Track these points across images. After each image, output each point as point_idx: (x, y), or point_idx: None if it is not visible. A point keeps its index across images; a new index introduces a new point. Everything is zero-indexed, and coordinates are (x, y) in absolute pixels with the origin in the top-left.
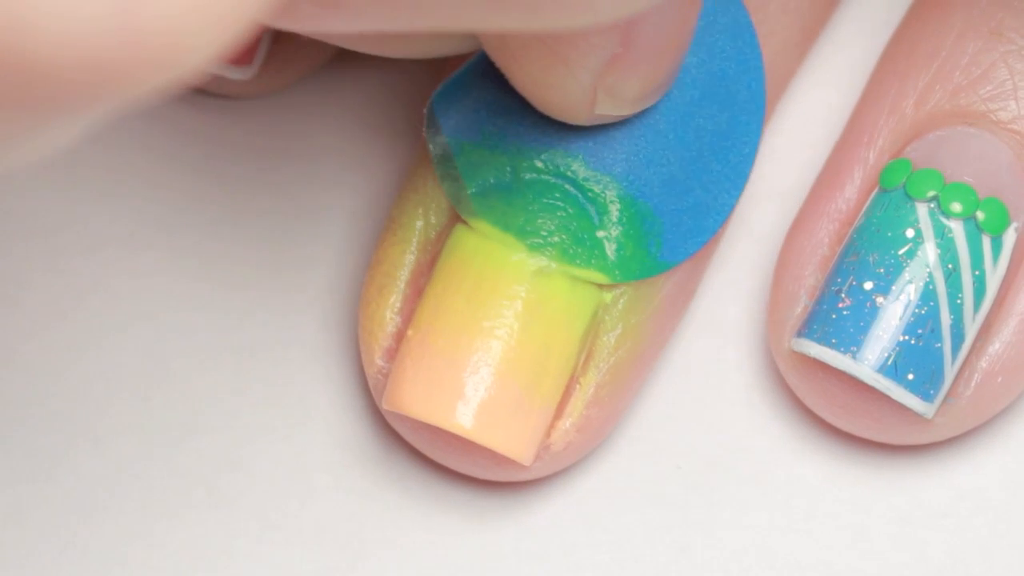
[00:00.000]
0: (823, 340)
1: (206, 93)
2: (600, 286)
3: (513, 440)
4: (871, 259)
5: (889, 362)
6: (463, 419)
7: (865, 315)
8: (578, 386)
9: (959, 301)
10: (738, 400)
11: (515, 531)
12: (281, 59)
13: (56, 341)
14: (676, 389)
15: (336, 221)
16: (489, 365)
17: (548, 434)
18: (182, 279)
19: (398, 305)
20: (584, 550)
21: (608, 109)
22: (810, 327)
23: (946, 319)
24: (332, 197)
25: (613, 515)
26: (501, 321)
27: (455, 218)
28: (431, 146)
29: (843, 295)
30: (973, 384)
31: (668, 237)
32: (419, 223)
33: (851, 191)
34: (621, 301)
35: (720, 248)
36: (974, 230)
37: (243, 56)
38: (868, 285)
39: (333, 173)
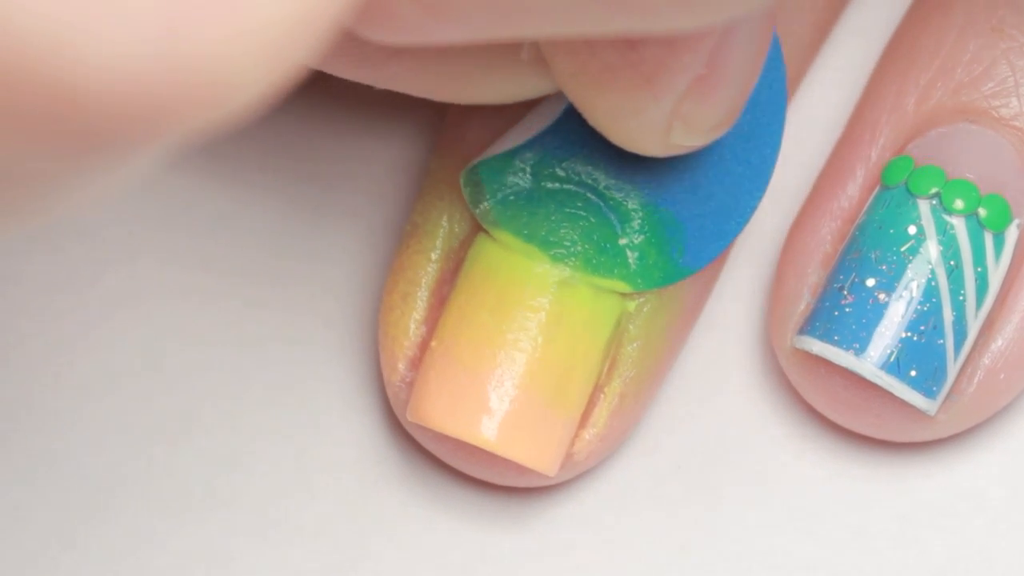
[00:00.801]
0: (825, 337)
1: None
2: (623, 295)
3: (538, 453)
4: (873, 256)
5: (892, 359)
6: (488, 432)
7: (868, 312)
8: (602, 395)
9: (961, 298)
10: (739, 398)
11: (515, 531)
12: None
13: (56, 341)
14: (677, 388)
15: (344, 222)
16: (513, 378)
17: (572, 443)
18: (187, 281)
19: (422, 314)
20: (584, 550)
21: (681, 138)
22: (812, 324)
23: (948, 316)
24: (341, 199)
25: (613, 514)
26: (525, 334)
27: (478, 227)
28: (468, 196)
29: (846, 292)
30: (976, 381)
31: (691, 243)
32: (442, 231)
33: (853, 188)
34: (644, 309)
35: None
36: (976, 227)
37: None
38: (871, 282)
39: (344, 173)
